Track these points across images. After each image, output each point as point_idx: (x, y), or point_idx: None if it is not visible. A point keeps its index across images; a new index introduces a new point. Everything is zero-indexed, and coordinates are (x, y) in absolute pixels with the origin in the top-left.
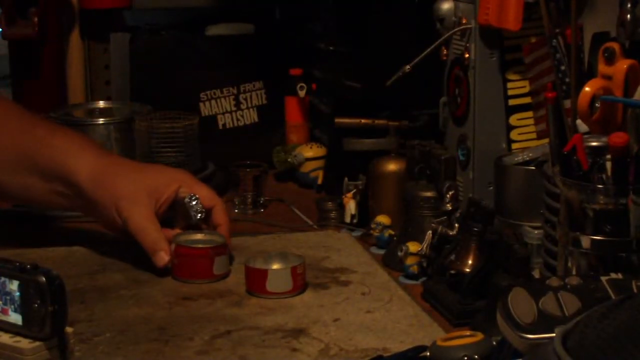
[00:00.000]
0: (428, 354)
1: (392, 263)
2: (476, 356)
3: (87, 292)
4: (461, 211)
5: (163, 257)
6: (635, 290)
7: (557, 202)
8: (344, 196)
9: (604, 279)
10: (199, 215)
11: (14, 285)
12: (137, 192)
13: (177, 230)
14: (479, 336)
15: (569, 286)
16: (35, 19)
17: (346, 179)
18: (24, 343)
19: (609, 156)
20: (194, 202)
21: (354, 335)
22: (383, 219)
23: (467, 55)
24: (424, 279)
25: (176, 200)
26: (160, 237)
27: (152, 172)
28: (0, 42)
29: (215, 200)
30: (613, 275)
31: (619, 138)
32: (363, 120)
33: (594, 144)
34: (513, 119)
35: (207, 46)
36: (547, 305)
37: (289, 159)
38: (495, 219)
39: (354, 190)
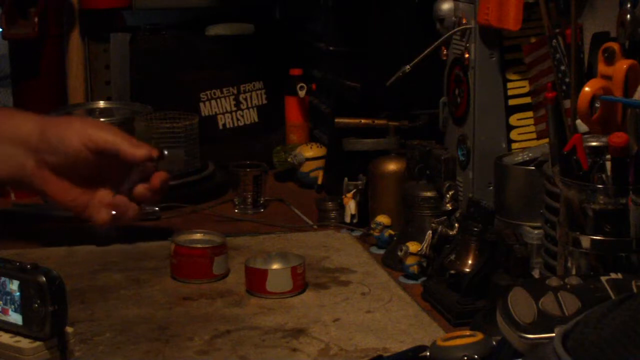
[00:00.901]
0: (428, 354)
1: (392, 263)
2: (476, 356)
3: (87, 292)
4: (461, 211)
5: (141, 150)
6: (635, 290)
7: (557, 202)
8: (344, 196)
9: (603, 279)
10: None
11: (14, 285)
12: (90, 122)
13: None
14: (479, 336)
15: (568, 286)
16: (35, 19)
17: (346, 179)
18: (24, 343)
19: (608, 156)
20: None
21: (354, 335)
22: (383, 219)
23: (467, 55)
24: (424, 279)
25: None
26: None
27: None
28: (0, 42)
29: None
30: (613, 275)
31: (618, 138)
32: (363, 120)
33: (594, 144)
34: (513, 119)
35: (207, 46)
36: (547, 305)
37: (289, 159)
38: (495, 219)
39: (354, 190)
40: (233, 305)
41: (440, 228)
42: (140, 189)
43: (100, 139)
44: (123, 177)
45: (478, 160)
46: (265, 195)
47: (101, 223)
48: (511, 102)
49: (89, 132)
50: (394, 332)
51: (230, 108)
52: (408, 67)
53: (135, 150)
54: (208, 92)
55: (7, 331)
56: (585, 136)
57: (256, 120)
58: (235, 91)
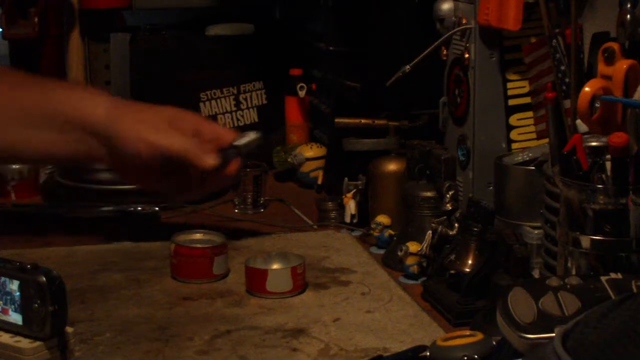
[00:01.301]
0: (428, 354)
1: (392, 263)
2: (476, 356)
3: (87, 292)
4: (461, 211)
5: (209, 160)
6: (635, 290)
7: (557, 202)
8: (344, 196)
9: (603, 279)
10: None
11: (14, 285)
12: (159, 121)
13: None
14: (479, 336)
15: (568, 286)
16: (35, 19)
17: (346, 179)
18: (24, 343)
19: (608, 156)
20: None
21: (354, 335)
22: (383, 219)
23: (467, 55)
24: (424, 279)
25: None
26: (199, 144)
27: (166, 107)
28: (0, 42)
29: (234, 132)
30: (613, 275)
31: (618, 138)
32: (363, 120)
33: (594, 144)
34: (513, 119)
35: (207, 46)
36: (547, 305)
37: (289, 159)
38: (495, 219)
39: (354, 190)
40: (233, 305)
41: (440, 228)
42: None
43: (164, 147)
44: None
45: (478, 160)
46: (265, 195)
47: (208, 168)
48: (511, 102)
49: (151, 138)
50: (394, 332)
51: (230, 108)
52: (408, 67)
53: (204, 160)
54: (208, 92)
55: (7, 331)
56: (585, 136)
57: (256, 120)
58: (235, 91)
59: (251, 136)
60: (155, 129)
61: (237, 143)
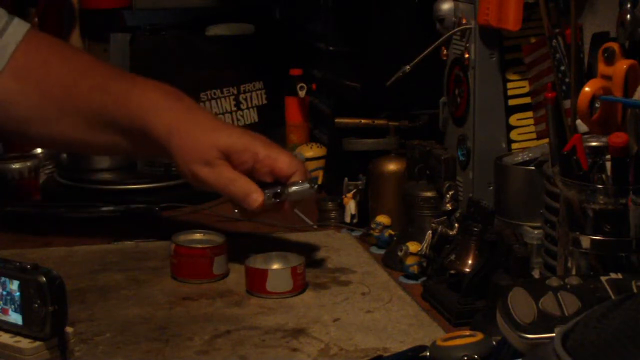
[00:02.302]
0: (428, 354)
1: (392, 263)
2: (476, 356)
3: (87, 292)
4: (461, 211)
5: (257, 198)
6: (635, 290)
7: (557, 202)
8: (344, 196)
9: (603, 279)
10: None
11: (14, 285)
12: (211, 155)
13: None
14: (479, 336)
15: (569, 286)
16: (35, 19)
17: (346, 179)
18: (24, 343)
19: (608, 156)
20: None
21: (354, 335)
22: (383, 219)
23: (467, 55)
24: (424, 279)
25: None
26: (247, 180)
27: (227, 133)
28: None
29: (295, 166)
30: (613, 275)
31: (618, 138)
32: (363, 120)
33: (594, 144)
34: (513, 119)
35: (207, 46)
36: (547, 305)
37: None
38: (495, 219)
39: (354, 190)
40: (233, 305)
41: (440, 228)
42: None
43: (208, 182)
44: None
45: (478, 160)
46: None
47: (250, 208)
48: (511, 102)
49: (198, 172)
50: (394, 332)
51: (230, 108)
52: (408, 67)
53: (246, 201)
54: (208, 92)
55: (7, 331)
56: (585, 136)
57: (256, 120)
58: (235, 91)
59: (304, 186)
60: (204, 161)
61: (287, 189)
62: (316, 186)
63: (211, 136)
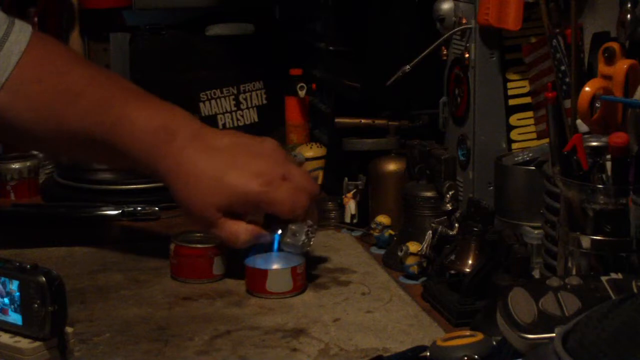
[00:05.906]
0: (428, 354)
1: (392, 263)
2: (476, 356)
3: (87, 292)
4: (461, 211)
5: (239, 243)
6: (635, 290)
7: (557, 202)
8: (344, 196)
9: (604, 279)
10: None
11: (14, 285)
12: (212, 216)
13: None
14: (479, 336)
15: (569, 286)
16: (35, 19)
17: (346, 179)
18: (24, 343)
19: (609, 156)
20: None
21: (354, 335)
22: (383, 219)
23: (467, 55)
24: (424, 279)
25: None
26: (249, 231)
27: (225, 189)
28: None
29: (295, 211)
30: (613, 275)
31: (619, 138)
32: (363, 120)
33: (594, 144)
34: (513, 119)
35: (207, 46)
36: (547, 305)
37: None
38: (495, 219)
39: (354, 190)
40: (233, 305)
41: (440, 228)
42: None
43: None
44: None
45: (478, 160)
46: None
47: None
48: (511, 102)
49: (197, 224)
50: (394, 332)
51: (230, 108)
52: (408, 67)
53: (235, 244)
54: (208, 92)
55: (7, 331)
56: (586, 136)
57: (256, 120)
58: (235, 91)
59: (297, 243)
60: (204, 222)
61: (283, 239)
62: (308, 248)
63: (207, 196)
